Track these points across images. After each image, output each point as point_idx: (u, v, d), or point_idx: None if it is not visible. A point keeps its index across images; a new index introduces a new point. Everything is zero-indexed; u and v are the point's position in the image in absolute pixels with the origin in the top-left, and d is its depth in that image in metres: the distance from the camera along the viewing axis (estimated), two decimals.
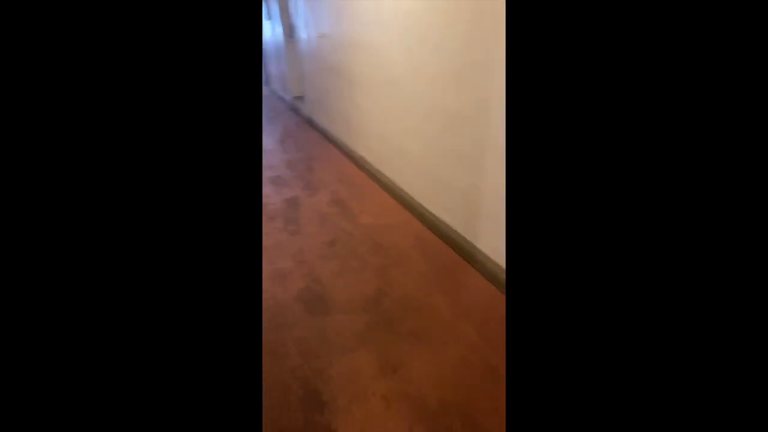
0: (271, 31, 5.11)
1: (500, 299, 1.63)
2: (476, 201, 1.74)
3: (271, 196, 2.66)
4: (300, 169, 3.10)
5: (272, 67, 5.80)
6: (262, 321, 1.58)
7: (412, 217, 2.29)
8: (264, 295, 1.72)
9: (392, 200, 2.51)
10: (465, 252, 1.88)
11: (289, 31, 4.42)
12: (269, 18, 5.04)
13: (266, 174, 3.03)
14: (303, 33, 3.76)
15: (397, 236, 2.12)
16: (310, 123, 4.28)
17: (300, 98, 4.67)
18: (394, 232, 2.16)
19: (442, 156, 1.92)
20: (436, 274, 1.81)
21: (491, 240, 1.70)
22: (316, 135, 3.97)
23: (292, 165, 3.20)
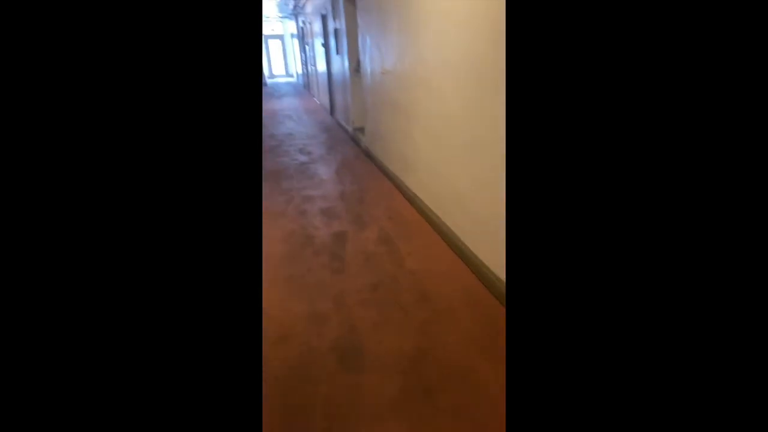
0: (340, 64, 5.33)
1: None
2: None
3: (320, 228, 2.64)
4: (352, 202, 3.08)
5: (338, 97, 6.02)
6: (290, 376, 1.50)
7: (463, 266, 2.12)
8: (298, 340, 1.64)
9: (442, 243, 2.36)
10: None
11: (356, 66, 4.56)
12: (339, 53, 5.27)
13: (319, 205, 3.04)
14: (368, 68, 3.84)
15: (445, 286, 1.96)
16: (368, 155, 4.31)
17: (360, 130, 4.74)
18: (442, 281, 2.00)
19: (500, 205, 1.75)
20: (485, 336, 1.62)
21: None
22: (372, 167, 3.97)
23: (345, 197, 3.19)
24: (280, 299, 1.89)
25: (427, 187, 2.68)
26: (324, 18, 6.06)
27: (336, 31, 5.21)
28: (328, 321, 1.75)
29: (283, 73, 17.55)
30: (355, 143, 4.97)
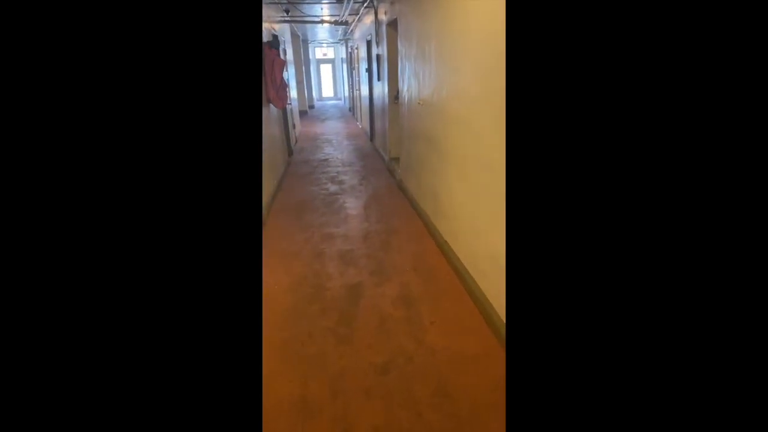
0: (380, 90, 5.13)
1: None
2: None
3: (334, 278, 2.31)
4: (376, 245, 2.74)
5: (378, 124, 5.81)
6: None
7: (498, 350, 1.69)
8: None
9: (476, 313, 1.94)
10: None
11: (396, 93, 4.32)
12: (379, 79, 5.08)
13: (339, 246, 2.74)
14: (406, 97, 3.57)
15: (473, 376, 1.54)
16: (401, 188, 3.99)
17: (396, 160, 4.45)
18: (471, 371, 1.58)
19: None
20: None
21: None
22: (404, 202, 3.63)
23: (369, 238, 2.87)
24: (267, 373, 1.57)
25: (460, 239, 2.28)
26: (369, 44, 5.95)
27: (378, 57, 5.04)
28: (319, 414, 1.39)
29: (332, 95, 17.98)
30: (389, 174, 4.67)
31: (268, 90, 3.72)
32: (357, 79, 8.44)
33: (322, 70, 17.61)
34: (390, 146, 4.77)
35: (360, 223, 3.18)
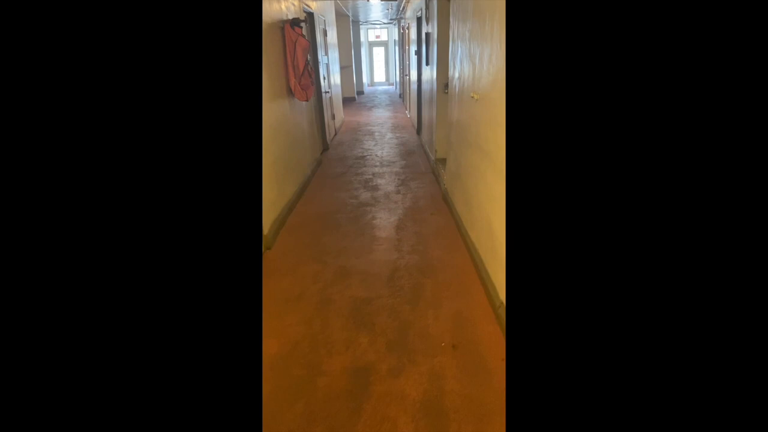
0: (429, 77, 4.31)
1: None
2: None
3: (334, 352, 1.64)
4: (404, 292, 2.03)
5: (425, 115, 5.01)
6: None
7: None
8: None
9: None
10: None
11: (445, 83, 3.50)
12: (428, 63, 4.25)
13: (353, 291, 2.06)
14: (456, 86, 2.75)
15: None
16: (446, 201, 3.21)
17: (443, 162, 3.66)
18: None
19: None
20: None
21: None
22: (449, 222, 2.86)
23: (396, 279, 2.16)
24: None
25: None
26: (419, 21, 5.11)
27: (427, 37, 4.21)
28: None
29: (384, 80, 17.19)
30: (435, 178, 3.89)
31: (289, 78, 3.08)
32: (407, 62, 7.61)
33: (374, 54, 16.85)
34: (436, 144, 3.98)
35: (388, 251, 2.47)
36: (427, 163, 4.44)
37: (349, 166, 4.48)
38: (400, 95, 10.68)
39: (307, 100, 3.33)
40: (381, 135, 6.15)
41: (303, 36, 3.18)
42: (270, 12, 2.74)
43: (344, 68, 10.66)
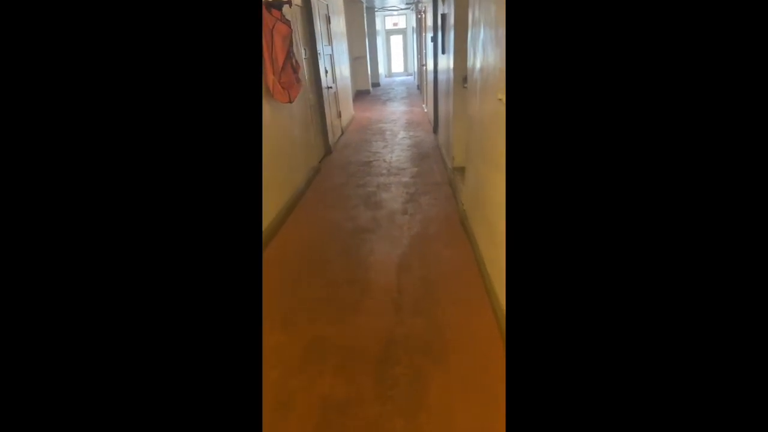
0: (446, 67, 3.60)
1: None
2: None
3: None
4: (396, 393, 1.39)
5: (442, 112, 4.29)
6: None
7: None
8: None
9: None
10: None
11: (464, 76, 2.79)
12: (444, 51, 3.54)
13: (319, 387, 1.43)
14: (477, 80, 2.06)
15: None
16: (464, 226, 2.52)
17: (461, 171, 2.97)
18: None
19: None
20: None
21: None
22: (468, 260, 2.18)
23: (386, 368, 1.51)
24: None
25: None
26: (435, 3, 4.37)
27: (443, 19, 3.48)
28: None
29: (402, 70, 16.37)
30: (452, 191, 3.20)
31: (266, 75, 2.45)
32: (424, 51, 6.85)
33: (392, 42, 16.03)
34: (454, 149, 3.28)
35: (383, 311, 1.83)
36: (444, 171, 3.74)
37: (351, 174, 3.84)
38: (417, 87, 9.89)
39: (290, 102, 2.69)
40: (393, 134, 5.47)
41: (283, 21, 2.53)
42: None
43: (357, 59, 9.96)
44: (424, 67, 6.85)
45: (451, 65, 3.07)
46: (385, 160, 4.24)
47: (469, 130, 2.42)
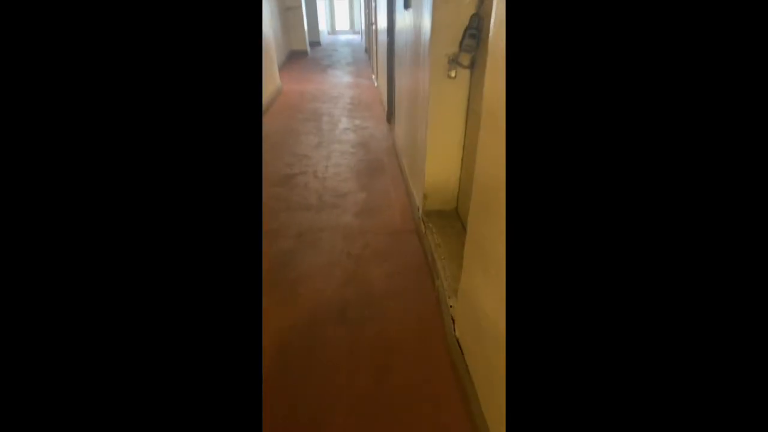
0: (410, 30, 2.16)
1: None
2: None
3: None
4: None
5: (403, 99, 2.87)
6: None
7: None
8: None
9: None
10: None
11: (456, 52, 1.41)
12: (407, 5, 2.08)
13: None
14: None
15: None
16: (461, 375, 1.23)
17: (438, 218, 1.66)
18: None
19: None
20: None
21: None
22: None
23: None
24: None
25: None
26: None
27: None
28: None
29: (348, 28, 14.30)
30: (423, 251, 1.88)
31: None
32: (373, 4, 5.22)
33: None
34: (428, 181, 1.92)
35: None
36: (407, 205, 2.39)
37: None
38: (366, 50, 8.21)
39: None
40: (332, 122, 3.95)
41: None
42: None
43: (290, 9, 7.96)
44: (374, 27, 5.25)
45: (425, 32, 1.65)
46: (316, 175, 2.78)
47: (473, 160, 1.06)
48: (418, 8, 1.81)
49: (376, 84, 5.42)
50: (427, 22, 1.61)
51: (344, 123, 3.90)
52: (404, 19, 2.30)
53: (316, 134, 3.58)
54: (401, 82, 2.74)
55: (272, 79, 4.70)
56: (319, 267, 1.81)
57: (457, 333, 1.29)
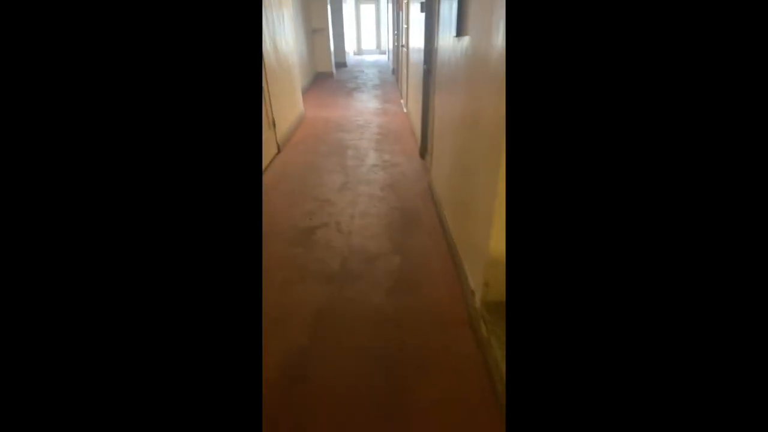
0: (460, 54, 1.70)
1: None
2: None
3: None
4: None
5: (444, 138, 2.40)
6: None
7: None
8: None
9: None
10: None
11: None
12: (460, 32, 1.62)
13: None
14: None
15: None
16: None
17: (497, 311, 1.13)
18: None
19: None
20: None
21: None
22: None
23: None
24: None
25: None
26: None
27: None
28: None
29: (374, 47, 14.14)
30: (483, 357, 1.36)
31: None
32: (403, 26, 4.84)
33: (363, 12, 13.71)
34: (492, 261, 1.40)
35: None
36: (452, 273, 1.89)
37: (272, 284, 1.90)
38: (393, 71, 7.87)
39: None
40: (358, 156, 3.52)
41: None
42: None
43: (316, 32, 7.74)
44: (404, 49, 4.86)
45: (496, 49, 1.17)
46: (340, 228, 2.31)
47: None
48: (479, 34, 1.34)
49: (405, 110, 5.00)
50: (493, 39, 1.13)
51: (372, 158, 3.46)
52: (452, 45, 1.84)
53: (340, 172, 3.14)
54: (443, 111, 2.28)
55: (295, 106, 4.34)
56: (340, 385, 1.32)
57: None
